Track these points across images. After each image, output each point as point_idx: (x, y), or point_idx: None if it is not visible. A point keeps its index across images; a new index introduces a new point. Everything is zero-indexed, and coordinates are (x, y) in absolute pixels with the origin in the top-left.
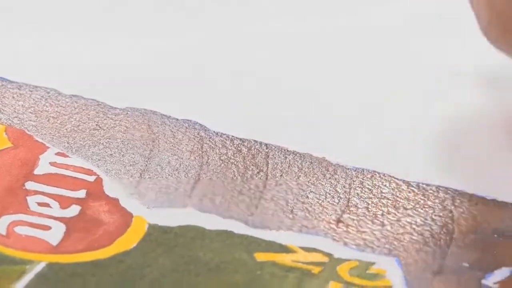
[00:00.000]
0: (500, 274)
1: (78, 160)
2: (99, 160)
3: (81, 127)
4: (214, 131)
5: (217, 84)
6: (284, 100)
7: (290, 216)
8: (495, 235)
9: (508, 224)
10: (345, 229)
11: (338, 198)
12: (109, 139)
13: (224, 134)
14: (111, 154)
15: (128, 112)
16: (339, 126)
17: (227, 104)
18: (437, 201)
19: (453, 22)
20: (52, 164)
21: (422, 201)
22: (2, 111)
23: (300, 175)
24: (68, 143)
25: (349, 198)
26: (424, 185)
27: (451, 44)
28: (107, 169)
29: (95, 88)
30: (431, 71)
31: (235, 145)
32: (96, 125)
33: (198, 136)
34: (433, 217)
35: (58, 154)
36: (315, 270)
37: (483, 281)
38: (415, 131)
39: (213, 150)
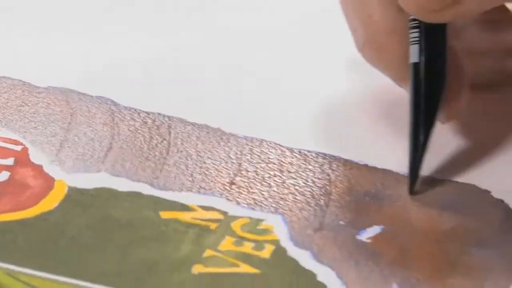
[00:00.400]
0: (372, 231)
1: (7, 132)
2: (25, 132)
3: (9, 104)
4: (123, 106)
5: (128, 65)
6: (184, 78)
7: (190, 179)
8: (367, 197)
9: (378, 187)
10: (237, 190)
11: (231, 163)
12: (34, 114)
13: (132, 108)
14: (35, 127)
15: (50, 91)
16: (233, 99)
17: (136, 82)
18: (316, 165)
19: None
20: None
21: (303, 166)
22: None
23: (198, 143)
24: None
25: (240, 163)
26: (305, 152)
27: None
28: (32, 140)
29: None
30: (319, 56)
31: (141, 118)
32: (22, 102)
33: (109, 110)
34: (313, 179)
35: None
36: (212, 226)
37: (357, 237)
38: (299, 105)
39: (122, 122)
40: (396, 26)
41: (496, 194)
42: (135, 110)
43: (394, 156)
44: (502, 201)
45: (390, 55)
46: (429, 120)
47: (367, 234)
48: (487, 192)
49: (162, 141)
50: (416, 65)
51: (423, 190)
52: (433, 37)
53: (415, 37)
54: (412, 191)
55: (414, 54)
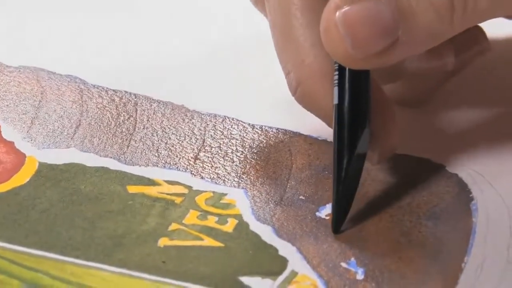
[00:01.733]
0: (330, 207)
1: None
2: None
3: None
4: (91, 84)
5: (97, 44)
6: (150, 57)
7: (156, 154)
8: (326, 171)
9: None
10: (201, 165)
11: (195, 139)
12: (5, 92)
13: (100, 86)
14: (7, 105)
15: (21, 70)
16: (196, 77)
17: (103, 60)
18: (277, 141)
19: None
20: None
21: (264, 141)
22: None
23: (163, 120)
24: None
25: (204, 139)
26: (266, 128)
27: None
28: (4, 117)
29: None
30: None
31: (109, 95)
32: None
33: (78, 88)
34: (274, 155)
35: None
36: (177, 200)
37: (317, 213)
38: (259, 84)
39: (91, 100)
40: (328, 70)
41: (450, 169)
42: (103, 88)
43: None
44: (456, 175)
45: (322, 99)
46: (351, 165)
47: (326, 211)
48: (441, 166)
49: (128, 118)
50: (338, 107)
51: (380, 165)
52: (356, 79)
53: (337, 80)
54: (336, 231)
55: (336, 95)
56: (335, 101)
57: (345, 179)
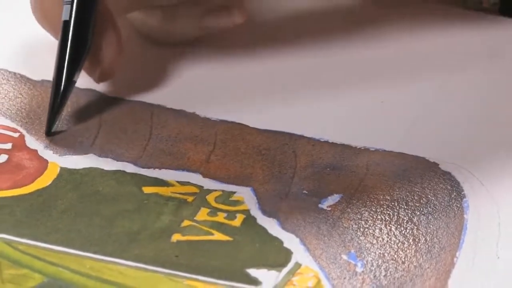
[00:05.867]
0: (332, 199)
1: (6, 121)
2: (22, 121)
3: (9, 95)
4: (109, 96)
5: None
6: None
7: (170, 157)
8: (328, 169)
9: (338, 159)
10: (212, 167)
11: (207, 143)
12: (28, 105)
13: (117, 98)
14: (31, 117)
15: (43, 84)
16: (206, 87)
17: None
18: (282, 143)
19: None
20: None
21: (271, 144)
22: None
23: (176, 126)
24: None
25: (214, 143)
26: (272, 131)
27: None
28: (27, 128)
29: None
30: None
31: (125, 106)
32: (19, 93)
33: (97, 100)
34: (280, 155)
35: None
36: (189, 199)
37: (319, 205)
38: (265, 90)
39: (108, 111)
40: None
41: (443, 167)
42: (120, 99)
43: (352, 132)
44: (449, 173)
45: (54, 18)
46: (71, 73)
47: (328, 203)
48: (435, 164)
49: (144, 126)
50: (65, 23)
51: (379, 162)
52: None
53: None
54: (48, 133)
55: (65, 12)
56: (64, 18)
57: (63, 93)
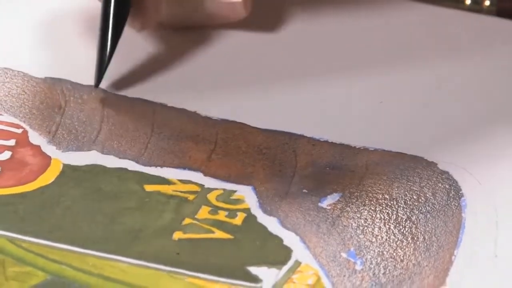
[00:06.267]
0: (332, 198)
1: (9, 117)
2: (24, 117)
3: (12, 93)
4: (112, 93)
5: None
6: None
7: (171, 155)
8: (327, 168)
9: (338, 158)
10: (213, 165)
11: (208, 142)
12: (32, 101)
13: (119, 95)
14: (34, 113)
15: (47, 80)
16: (208, 86)
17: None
18: (282, 143)
19: None
20: None
21: (271, 143)
22: None
23: (178, 125)
24: (1, 105)
25: (215, 142)
26: (272, 131)
27: None
28: (30, 123)
29: None
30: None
31: (128, 103)
32: (22, 91)
33: (99, 97)
34: (280, 154)
35: None
36: (190, 197)
37: (319, 204)
38: (266, 91)
39: (111, 108)
40: None
41: (441, 167)
42: (123, 97)
43: (351, 132)
44: (447, 172)
45: None
46: (118, 28)
47: (328, 201)
48: (433, 164)
49: (146, 124)
50: None
51: (378, 162)
52: None
53: None
54: (97, 85)
55: None
56: None
57: (111, 48)
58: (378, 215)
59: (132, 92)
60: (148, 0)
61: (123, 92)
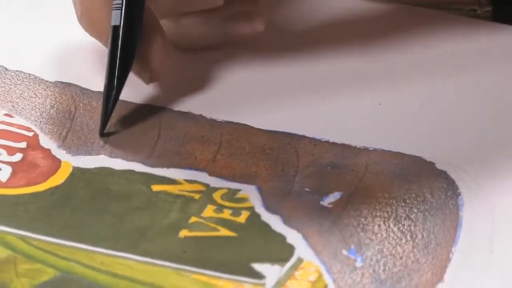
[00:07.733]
0: (333, 197)
1: (21, 120)
2: (36, 120)
3: (24, 95)
4: (120, 99)
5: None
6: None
7: (177, 156)
8: (329, 167)
9: (339, 158)
10: (218, 166)
11: (213, 143)
12: (42, 105)
13: (126, 101)
14: (44, 117)
15: (57, 85)
16: (212, 91)
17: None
18: (285, 143)
19: None
20: (1, 122)
21: (274, 144)
22: None
23: (183, 128)
24: (13, 107)
25: (221, 143)
26: (275, 132)
27: None
28: (41, 127)
29: None
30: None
31: (135, 109)
32: (34, 93)
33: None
34: (283, 154)
35: (5, 115)
36: (196, 196)
37: (321, 202)
38: (268, 92)
39: (120, 113)
40: (106, 2)
41: (439, 166)
42: (131, 103)
43: (352, 132)
44: (445, 172)
45: (101, 27)
46: (123, 76)
47: (329, 200)
48: (431, 163)
49: (153, 128)
50: (115, 28)
51: (377, 161)
52: (132, 4)
53: (117, 4)
54: (102, 134)
55: (115, 18)
56: (114, 23)
57: (115, 95)
58: (378, 214)
59: (139, 98)
60: (154, 52)
61: (130, 99)
